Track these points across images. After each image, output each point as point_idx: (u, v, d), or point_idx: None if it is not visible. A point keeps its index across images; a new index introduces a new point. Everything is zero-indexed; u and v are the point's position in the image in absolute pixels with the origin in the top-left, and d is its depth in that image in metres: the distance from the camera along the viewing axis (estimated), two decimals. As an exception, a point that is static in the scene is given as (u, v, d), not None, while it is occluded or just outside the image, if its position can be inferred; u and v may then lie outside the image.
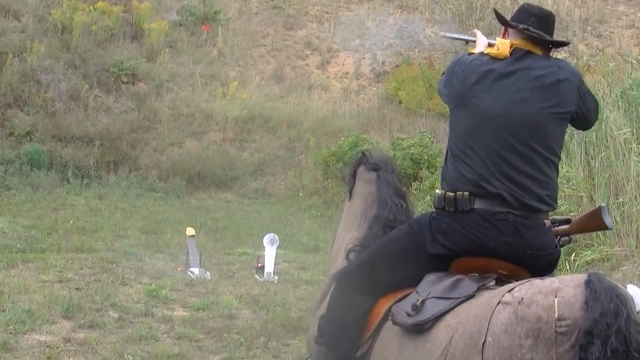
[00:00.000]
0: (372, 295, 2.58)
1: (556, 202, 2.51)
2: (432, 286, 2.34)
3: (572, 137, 6.26)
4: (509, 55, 2.49)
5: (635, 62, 7.31)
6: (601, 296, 1.89)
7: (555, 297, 1.93)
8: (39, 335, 4.88)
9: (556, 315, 1.90)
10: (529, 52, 2.53)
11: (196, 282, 6.80)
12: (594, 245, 5.79)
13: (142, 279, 6.71)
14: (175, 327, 5.35)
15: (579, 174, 6.30)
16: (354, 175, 3.37)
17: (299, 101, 14.78)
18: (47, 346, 4.66)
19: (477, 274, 2.33)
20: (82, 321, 5.21)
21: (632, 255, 5.47)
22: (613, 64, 7.88)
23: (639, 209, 5.59)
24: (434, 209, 2.57)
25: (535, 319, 1.92)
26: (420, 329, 2.24)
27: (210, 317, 5.69)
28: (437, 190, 2.55)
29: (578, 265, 5.84)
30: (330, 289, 2.84)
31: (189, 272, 7.07)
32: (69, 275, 6.46)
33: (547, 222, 2.49)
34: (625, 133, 5.91)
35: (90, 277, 6.56)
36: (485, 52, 2.56)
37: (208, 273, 7.13)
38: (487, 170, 2.39)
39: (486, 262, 2.38)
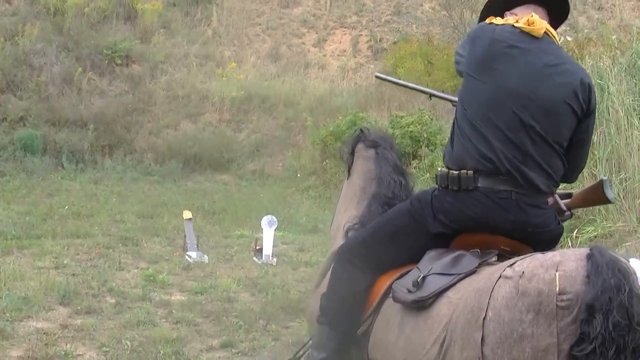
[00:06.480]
0: (372, 273, 2.56)
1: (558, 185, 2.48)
2: (433, 262, 2.32)
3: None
4: (541, 35, 2.39)
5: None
6: (603, 270, 1.86)
7: (557, 270, 1.89)
8: (35, 322, 4.80)
9: (557, 289, 1.87)
10: (554, 42, 2.44)
11: (194, 265, 6.72)
12: (596, 221, 5.70)
13: (139, 264, 6.63)
14: (174, 311, 5.28)
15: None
16: (352, 153, 3.32)
17: (296, 80, 14.64)
18: (44, 333, 4.58)
19: (478, 250, 2.30)
20: (79, 307, 5.13)
21: (635, 231, 5.39)
22: (615, 36, 7.68)
23: (641, 185, 5.49)
24: (435, 186, 2.51)
25: (537, 293, 1.89)
26: (421, 306, 2.22)
27: (208, 301, 5.62)
28: (439, 168, 2.49)
29: (580, 242, 5.76)
30: (330, 267, 2.80)
31: (187, 256, 6.99)
32: (65, 261, 6.36)
33: (550, 200, 2.44)
34: (628, 103, 5.76)
35: (87, 262, 6.46)
36: (516, 25, 2.40)
37: (206, 256, 7.05)
38: (497, 148, 2.32)
39: (488, 238, 2.35)
